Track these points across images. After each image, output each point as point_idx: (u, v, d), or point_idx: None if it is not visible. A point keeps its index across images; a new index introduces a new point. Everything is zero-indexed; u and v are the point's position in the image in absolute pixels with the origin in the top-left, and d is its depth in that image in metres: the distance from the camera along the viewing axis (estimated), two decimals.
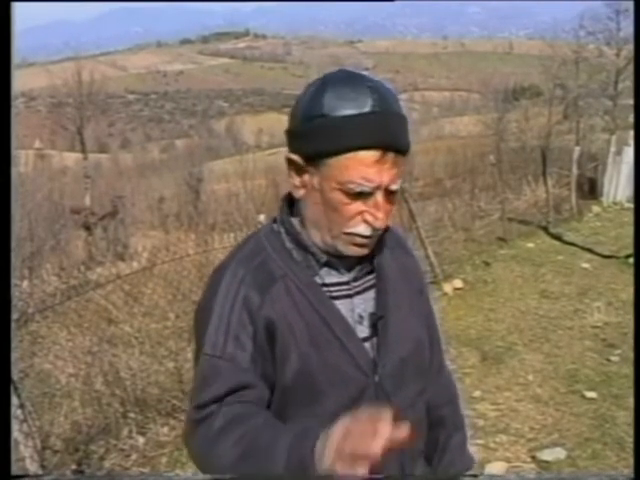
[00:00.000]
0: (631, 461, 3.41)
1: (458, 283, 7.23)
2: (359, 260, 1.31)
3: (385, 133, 1.19)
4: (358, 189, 1.19)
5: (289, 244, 1.30)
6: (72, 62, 16.14)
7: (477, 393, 4.63)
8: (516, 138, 13.43)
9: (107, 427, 4.02)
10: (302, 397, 1.26)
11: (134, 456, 3.89)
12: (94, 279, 6.21)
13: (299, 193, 1.26)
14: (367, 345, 1.30)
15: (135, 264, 7.13)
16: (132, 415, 4.14)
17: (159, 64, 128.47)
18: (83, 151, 14.34)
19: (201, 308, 1.32)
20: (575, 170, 11.19)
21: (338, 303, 1.29)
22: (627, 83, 12.33)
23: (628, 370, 4.69)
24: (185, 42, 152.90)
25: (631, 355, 4.88)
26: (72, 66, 15.34)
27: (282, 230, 1.31)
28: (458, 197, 10.92)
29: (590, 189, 12.57)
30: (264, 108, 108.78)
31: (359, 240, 1.24)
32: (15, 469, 2.93)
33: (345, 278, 1.31)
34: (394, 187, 1.22)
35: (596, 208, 11.44)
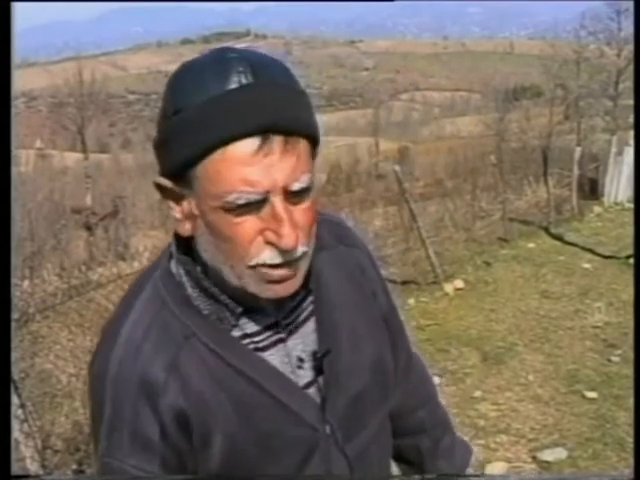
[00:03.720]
0: (632, 461, 3.41)
1: (459, 283, 7.23)
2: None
3: (259, 109, 0.83)
4: (241, 200, 0.84)
5: (192, 291, 0.96)
6: (73, 62, 16.16)
7: (478, 393, 4.63)
8: (517, 138, 13.43)
9: None
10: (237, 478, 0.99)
11: None
12: (95, 279, 6.22)
13: (184, 228, 0.92)
14: (312, 391, 1.01)
15: (136, 264, 7.14)
16: None
17: (160, 64, 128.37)
18: (84, 151, 14.37)
19: (93, 383, 0.99)
20: (576, 170, 11.18)
21: (268, 354, 0.98)
22: (628, 83, 12.32)
23: (629, 370, 4.69)
24: (186, 42, 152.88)
25: (632, 355, 4.87)
26: (73, 66, 15.37)
27: (182, 272, 0.96)
28: (459, 197, 10.92)
29: (591, 189, 12.56)
30: None
31: (271, 273, 0.89)
32: (16, 469, 2.93)
33: (272, 319, 0.98)
34: (297, 186, 0.86)
35: (597, 208, 11.43)
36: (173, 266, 0.98)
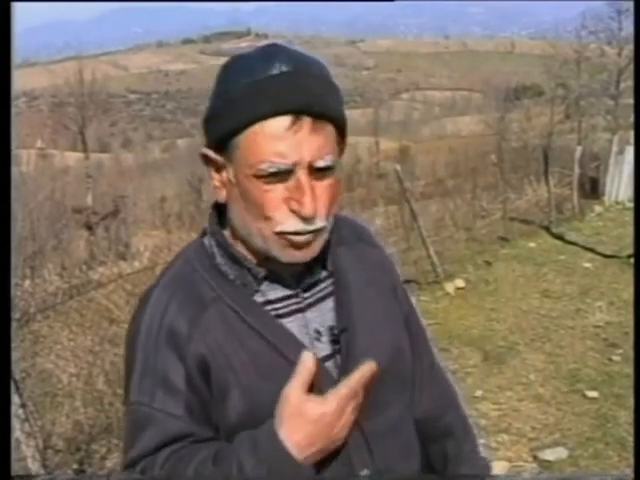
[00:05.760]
0: (632, 461, 3.41)
1: (460, 283, 7.23)
2: (307, 266, 1.08)
3: (295, 93, 0.97)
4: (271, 169, 0.97)
5: (220, 259, 1.08)
6: (74, 62, 16.15)
7: (479, 393, 4.63)
8: (518, 137, 13.45)
9: (109, 427, 4.02)
10: None
11: None
12: (96, 279, 6.21)
13: (221, 195, 1.05)
14: (330, 364, 1.07)
15: (137, 264, 7.13)
16: None
17: (160, 64, 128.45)
18: (85, 151, 14.38)
19: (127, 343, 1.10)
20: (577, 169, 11.18)
21: (287, 321, 1.06)
22: (629, 82, 12.31)
23: (629, 370, 4.69)
24: (187, 42, 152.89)
25: (632, 355, 4.87)
26: (74, 66, 15.37)
27: (213, 243, 1.09)
28: (460, 196, 10.92)
29: (592, 188, 12.57)
30: None
31: (293, 239, 1.00)
32: (17, 469, 2.93)
33: (292, 290, 1.08)
34: (321, 163, 0.98)
35: (598, 208, 11.43)
36: (206, 240, 1.11)
